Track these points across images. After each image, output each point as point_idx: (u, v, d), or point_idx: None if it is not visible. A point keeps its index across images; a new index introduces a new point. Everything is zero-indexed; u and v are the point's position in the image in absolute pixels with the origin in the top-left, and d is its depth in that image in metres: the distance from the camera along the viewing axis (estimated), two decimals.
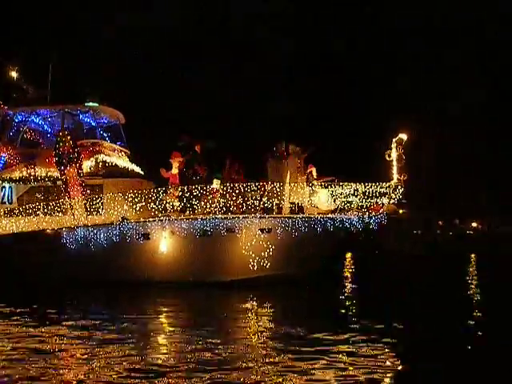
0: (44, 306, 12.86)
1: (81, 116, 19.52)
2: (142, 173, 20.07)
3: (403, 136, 15.91)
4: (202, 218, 15.95)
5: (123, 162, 19.08)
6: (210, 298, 15.07)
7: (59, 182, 17.28)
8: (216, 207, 16.02)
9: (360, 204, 16.48)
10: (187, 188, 16.23)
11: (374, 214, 16.26)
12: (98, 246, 16.38)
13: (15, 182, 17.87)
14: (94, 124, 20.15)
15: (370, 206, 16.55)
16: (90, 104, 18.55)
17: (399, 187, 16.00)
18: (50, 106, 18.78)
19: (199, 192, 16.14)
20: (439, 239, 34.23)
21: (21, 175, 17.82)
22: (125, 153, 19.81)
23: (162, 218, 16.07)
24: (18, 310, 12.34)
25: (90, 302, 14.36)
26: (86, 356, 8.40)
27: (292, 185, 16.55)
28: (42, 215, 17.01)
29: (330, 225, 16.34)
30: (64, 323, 10.94)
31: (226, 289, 15.70)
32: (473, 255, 30.41)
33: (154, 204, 16.25)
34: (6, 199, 18.00)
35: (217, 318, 12.06)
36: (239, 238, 16.09)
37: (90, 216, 16.69)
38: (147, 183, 18.76)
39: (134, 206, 16.33)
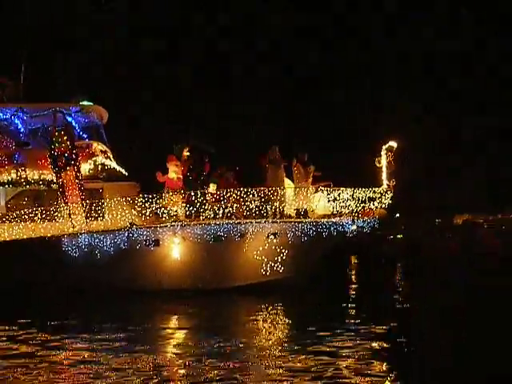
0: (46, 318, 12.12)
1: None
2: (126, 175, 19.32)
3: (393, 144, 16.57)
4: (215, 223, 15.69)
5: (115, 164, 18.25)
6: (222, 303, 14.98)
7: (54, 186, 16.23)
8: (221, 212, 15.81)
9: (352, 208, 16.94)
10: (189, 193, 15.89)
11: (366, 218, 16.81)
12: (105, 253, 15.62)
13: (3, 185, 16.54)
14: (74, 123, 19.00)
15: (361, 210, 17.10)
16: (85, 103, 17.54)
17: (388, 192, 16.68)
18: (40, 103, 17.51)
19: (202, 197, 15.84)
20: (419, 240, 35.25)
21: (9, 178, 16.51)
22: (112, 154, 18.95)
23: (173, 223, 15.61)
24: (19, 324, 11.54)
25: (97, 312, 13.62)
26: (94, 366, 8.19)
27: (297, 190, 16.69)
28: (37, 221, 15.88)
29: (333, 229, 16.71)
30: (68, 335, 10.48)
31: (238, 294, 15.64)
32: None
33: (159, 209, 15.80)
34: None
35: (228, 323, 12.15)
36: (251, 243, 16.02)
37: (92, 222, 15.85)
38: (137, 186, 18.10)
39: (140, 211, 15.72)
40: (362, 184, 16.88)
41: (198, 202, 15.67)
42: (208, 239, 15.75)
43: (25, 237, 15.80)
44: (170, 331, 11.23)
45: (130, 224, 15.62)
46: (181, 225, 15.61)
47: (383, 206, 16.87)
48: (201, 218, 15.71)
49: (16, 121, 17.95)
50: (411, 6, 56.56)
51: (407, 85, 47.07)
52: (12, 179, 16.48)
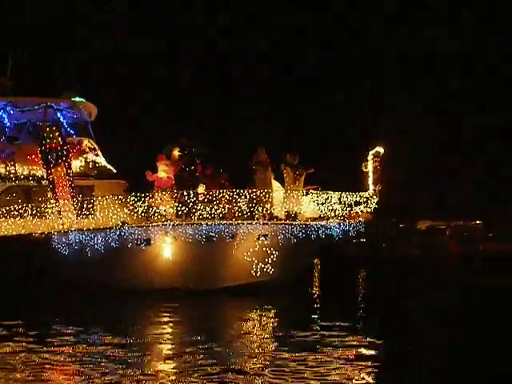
0: (35, 317, 12.06)
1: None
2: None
3: (380, 149, 16.95)
4: (207, 224, 15.76)
5: (105, 161, 18.12)
6: (212, 303, 15.09)
7: (44, 182, 16.05)
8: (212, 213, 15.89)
9: (338, 212, 17.21)
10: (181, 192, 15.94)
11: (352, 221, 17.11)
12: (96, 252, 15.53)
13: None
14: (62, 119, 18.76)
15: (347, 214, 17.40)
16: (77, 99, 17.33)
17: (374, 197, 17.03)
18: (31, 97, 17.24)
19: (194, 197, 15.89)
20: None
21: None
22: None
23: (165, 222, 15.63)
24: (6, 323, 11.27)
25: (85, 311, 13.55)
26: (83, 366, 8.18)
27: (288, 193, 16.87)
28: (26, 217, 15.70)
29: (321, 232, 16.97)
30: (56, 335, 10.33)
31: (228, 294, 15.76)
32: None
33: (149, 208, 15.81)
34: None
35: (218, 324, 12.33)
36: (242, 244, 16.14)
37: (82, 219, 15.73)
38: (125, 184, 18.05)
39: (132, 210, 15.70)
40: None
41: (190, 202, 15.73)
42: (199, 239, 15.79)
43: (14, 233, 15.60)
44: (159, 334, 11.00)
45: (122, 223, 15.57)
46: (172, 224, 15.62)
47: (369, 209, 17.26)
48: (192, 218, 15.78)
49: (4, 115, 17.64)
50: (411, 6, 56.71)
51: (407, 85, 47.38)
52: (0, 174, 16.22)
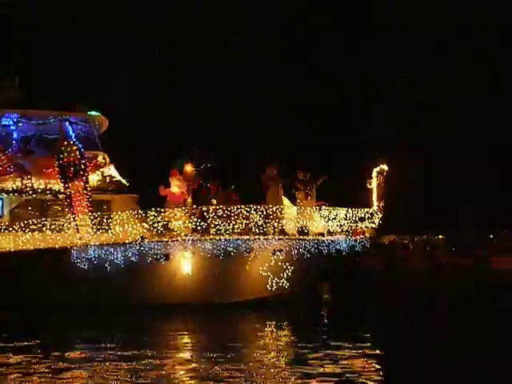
0: (51, 334, 12.11)
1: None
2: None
3: (384, 167, 17.58)
4: (225, 239, 16.00)
5: (119, 176, 18.14)
6: (230, 317, 15.33)
7: (61, 196, 16.01)
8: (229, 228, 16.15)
9: (345, 228, 17.69)
10: (200, 208, 16.16)
11: (358, 237, 17.65)
12: (115, 266, 15.57)
13: (7, 193, 16.11)
14: (71, 132, 18.62)
15: (353, 229, 17.90)
16: (93, 113, 17.34)
17: (378, 213, 17.62)
18: (45, 110, 17.16)
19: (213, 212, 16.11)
20: None
21: (14, 186, 16.11)
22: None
23: (184, 237, 15.79)
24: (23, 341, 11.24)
25: (103, 328, 13.43)
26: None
27: (300, 209, 17.25)
28: (44, 231, 15.61)
29: (331, 247, 17.43)
30: (72, 353, 10.39)
31: (244, 308, 16.01)
32: None
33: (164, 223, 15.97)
34: None
35: (236, 336, 12.54)
36: (258, 258, 16.43)
37: (100, 234, 15.76)
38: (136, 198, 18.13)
39: (151, 225, 15.82)
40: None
41: (208, 217, 15.96)
42: (218, 254, 16.02)
43: (31, 248, 15.51)
44: (176, 348, 11.22)
45: (141, 237, 15.66)
46: (192, 239, 15.81)
47: (373, 225, 17.82)
48: (210, 233, 16.00)
49: (18, 127, 17.49)
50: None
51: None
52: (17, 187, 16.11)
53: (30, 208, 16.27)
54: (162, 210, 16.04)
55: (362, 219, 17.69)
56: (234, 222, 16.08)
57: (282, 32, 50.07)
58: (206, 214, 15.99)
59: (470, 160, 45.41)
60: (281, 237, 16.52)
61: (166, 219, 16.07)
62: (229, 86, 46.46)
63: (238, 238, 16.07)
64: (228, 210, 16.12)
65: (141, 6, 49.15)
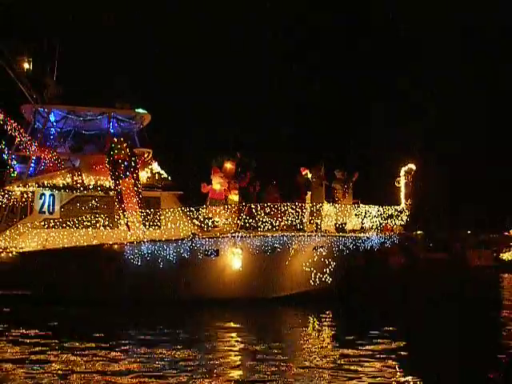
0: (105, 331, 12.06)
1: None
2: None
3: (412, 166, 18.31)
4: (272, 236, 16.51)
5: (164, 173, 18.35)
6: (276, 311, 15.94)
7: (112, 193, 16.24)
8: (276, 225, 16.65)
9: (376, 224, 18.36)
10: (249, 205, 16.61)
11: (388, 233, 18.38)
12: (167, 262, 15.94)
13: (58, 190, 16.23)
14: (111, 129, 18.73)
15: (382, 226, 18.61)
16: (140, 111, 17.52)
17: (406, 211, 18.36)
18: (94, 107, 17.27)
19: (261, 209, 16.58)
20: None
21: (65, 182, 16.25)
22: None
23: (233, 234, 16.23)
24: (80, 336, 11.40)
25: (156, 323, 13.52)
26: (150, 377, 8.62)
27: (338, 206, 17.84)
28: (98, 227, 15.85)
29: (367, 243, 18.13)
30: (123, 348, 10.57)
31: (289, 302, 16.60)
32: None
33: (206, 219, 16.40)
34: (45, 208, 16.20)
35: (282, 331, 13.28)
36: (302, 254, 16.99)
37: (152, 231, 16.08)
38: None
39: (202, 222, 16.24)
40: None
41: (257, 214, 16.44)
42: (265, 250, 16.52)
43: (84, 244, 15.75)
44: (225, 342, 11.38)
45: (193, 234, 16.05)
46: (241, 236, 16.27)
47: (402, 222, 18.56)
48: (258, 230, 16.50)
49: (66, 124, 17.57)
50: None
51: None
52: (67, 184, 16.26)
53: (80, 204, 16.42)
54: (210, 207, 16.48)
55: (390, 216, 18.41)
56: (280, 219, 16.62)
57: (282, 32, 50.54)
58: (254, 211, 16.48)
59: (470, 160, 46.49)
60: (322, 234, 17.11)
61: (213, 216, 16.55)
62: (228, 86, 46.73)
63: (284, 235, 16.59)
64: (275, 208, 16.64)
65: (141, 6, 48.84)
